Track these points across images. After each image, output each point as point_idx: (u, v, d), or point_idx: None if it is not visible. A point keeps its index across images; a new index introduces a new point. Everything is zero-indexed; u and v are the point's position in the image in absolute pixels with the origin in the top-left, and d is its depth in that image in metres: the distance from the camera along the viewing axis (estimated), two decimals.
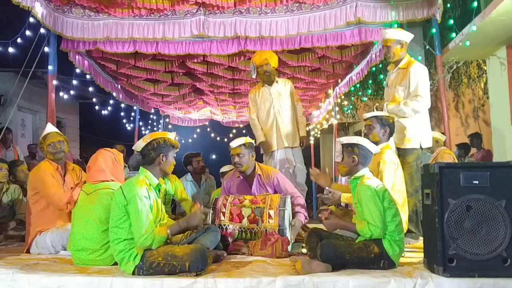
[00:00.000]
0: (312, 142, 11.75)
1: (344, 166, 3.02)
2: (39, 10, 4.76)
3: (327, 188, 3.51)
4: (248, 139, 4.07)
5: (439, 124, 9.23)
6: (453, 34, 6.10)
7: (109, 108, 11.06)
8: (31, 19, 4.89)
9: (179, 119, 11.01)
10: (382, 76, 8.41)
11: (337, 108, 9.85)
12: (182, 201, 4.31)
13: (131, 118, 10.88)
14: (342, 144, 3.02)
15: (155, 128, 12.18)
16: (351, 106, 11.70)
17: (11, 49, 5.38)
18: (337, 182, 5.11)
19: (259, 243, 3.44)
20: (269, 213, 3.60)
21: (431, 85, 8.93)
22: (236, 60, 6.59)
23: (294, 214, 3.90)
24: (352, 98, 11.32)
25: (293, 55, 6.56)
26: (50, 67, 5.36)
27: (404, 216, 3.51)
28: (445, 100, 5.13)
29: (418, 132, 3.95)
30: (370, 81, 9.21)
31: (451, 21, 5.64)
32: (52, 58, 5.37)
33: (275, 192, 4.01)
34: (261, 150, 5.10)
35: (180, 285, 2.60)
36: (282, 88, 5.06)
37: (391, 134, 3.75)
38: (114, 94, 7.62)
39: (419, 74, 3.94)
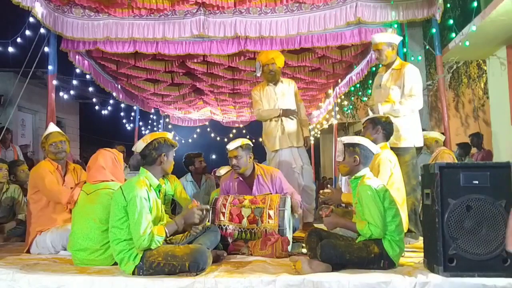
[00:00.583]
0: (312, 142, 11.75)
1: (345, 166, 3.02)
2: (39, 10, 4.76)
3: (328, 187, 3.51)
4: (245, 141, 4.01)
5: (439, 124, 9.23)
6: (453, 34, 6.10)
7: (109, 108, 11.08)
8: (31, 19, 4.89)
9: (179, 119, 11.01)
10: None
11: (337, 108, 9.86)
12: (182, 201, 4.30)
13: (131, 118, 10.89)
14: (344, 144, 3.02)
15: (155, 128, 12.18)
16: (351, 106, 11.71)
17: (11, 49, 5.39)
18: (337, 182, 5.11)
19: (259, 243, 3.44)
20: (268, 213, 3.58)
21: (431, 85, 8.99)
22: (236, 60, 6.59)
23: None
24: (352, 98, 11.33)
25: (293, 55, 6.56)
26: (50, 67, 5.36)
27: (404, 215, 3.52)
28: (445, 100, 5.14)
29: (412, 131, 4.01)
30: (370, 81, 9.19)
31: (451, 21, 5.64)
32: (52, 58, 5.37)
33: (276, 191, 4.00)
34: (265, 148, 5.08)
35: (180, 285, 2.60)
36: (287, 88, 5.04)
37: (388, 133, 3.76)
38: (114, 94, 7.63)
39: (413, 75, 4.01)
